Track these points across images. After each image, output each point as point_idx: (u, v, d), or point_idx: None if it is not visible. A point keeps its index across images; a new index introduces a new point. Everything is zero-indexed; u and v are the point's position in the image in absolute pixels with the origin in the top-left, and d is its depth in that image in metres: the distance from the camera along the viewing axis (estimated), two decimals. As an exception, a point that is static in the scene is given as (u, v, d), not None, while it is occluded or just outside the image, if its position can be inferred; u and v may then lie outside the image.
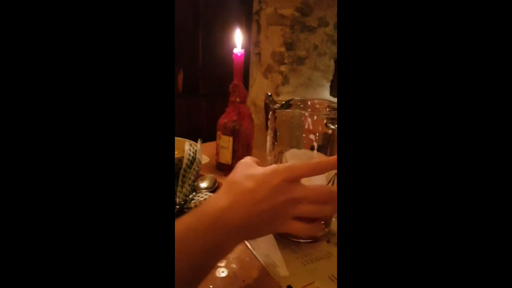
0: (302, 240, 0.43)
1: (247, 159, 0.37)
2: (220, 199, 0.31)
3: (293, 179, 0.33)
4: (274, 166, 0.34)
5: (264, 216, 0.31)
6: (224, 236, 0.30)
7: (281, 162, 0.43)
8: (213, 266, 0.30)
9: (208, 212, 0.30)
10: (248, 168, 0.35)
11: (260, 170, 0.34)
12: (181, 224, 0.28)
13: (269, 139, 0.44)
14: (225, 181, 0.34)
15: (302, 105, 0.45)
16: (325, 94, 1.35)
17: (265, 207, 0.31)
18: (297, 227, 0.34)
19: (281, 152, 0.43)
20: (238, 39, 0.61)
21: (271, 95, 0.43)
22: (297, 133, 0.41)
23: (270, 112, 0.43)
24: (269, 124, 0.44)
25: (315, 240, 0.43)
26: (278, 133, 0.43)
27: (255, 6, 1.20)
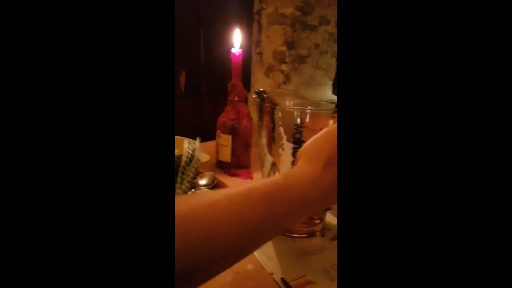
0: (296, 235, 0.44)
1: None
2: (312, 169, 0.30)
3: None
4: None
5: None
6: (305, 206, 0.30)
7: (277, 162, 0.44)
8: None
9: (303, 179, 0.30)
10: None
11: None
12: (271, 182, 0.29)
13: (264, 136, 0.45)
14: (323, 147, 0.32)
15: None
16: (327, 93, 1.35)
17: None
18: None
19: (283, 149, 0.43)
20: (236, 39, 0.62)
21: (264, 91, 0.43)
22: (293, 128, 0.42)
23: (266, 109, 0.44)
24: (264, 121, 0.45)
25: (310, 234, 0.44)
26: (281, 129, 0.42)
27: (256, 6, 1.21)
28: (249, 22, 1.20)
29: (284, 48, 1.16)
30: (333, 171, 0.30)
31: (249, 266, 0.37)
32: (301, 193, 0.29)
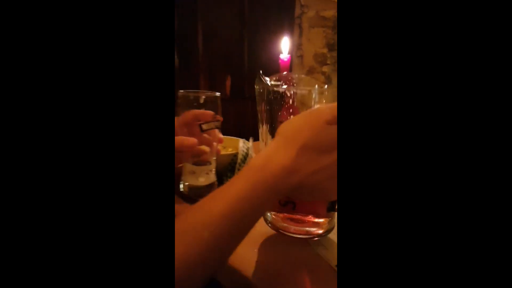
0: (296, 235, 0.42)
1: (325, 111, 0.31)
2: (285, 156, 0.30)
3: None
4: None
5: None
6: (280, 195, 0.31)
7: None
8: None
9: (272, 171, 0.30)
10: (323, 129, 0.30)
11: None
12: (246, 181, 0.30)
13: (264, 124, 0.43)
14: (290, 129, 0.32)
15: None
16: (368, 93, 1.34)
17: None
18: None
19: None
20: (284, 46, 0.66)
21: (262, 74, 0.41)
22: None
23: (268, 95, 0.41)
24: (263, 108, 0.42)
25: (313, 236, 0.44)
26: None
27: (297, 11, 1.24)
28: (290, 26, 1.24)
29: (325, 50, 1.18)
30: (309, 155, 0.30)
31: (305, 254, 0.40)
32: (277, 188, 0.30)
